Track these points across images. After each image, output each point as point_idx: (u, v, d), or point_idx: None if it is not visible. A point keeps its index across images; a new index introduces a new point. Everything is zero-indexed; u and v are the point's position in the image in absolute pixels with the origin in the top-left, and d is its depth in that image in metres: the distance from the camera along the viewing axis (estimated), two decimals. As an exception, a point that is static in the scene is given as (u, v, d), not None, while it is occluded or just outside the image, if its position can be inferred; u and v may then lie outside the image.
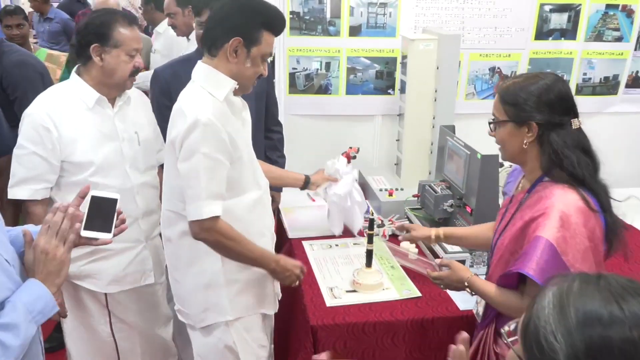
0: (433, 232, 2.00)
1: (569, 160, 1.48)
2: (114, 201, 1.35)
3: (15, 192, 1.99)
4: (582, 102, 1.58)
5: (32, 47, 4.32)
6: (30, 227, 1.35)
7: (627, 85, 3.39)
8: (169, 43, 3.83)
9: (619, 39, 3.27)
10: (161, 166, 2.08)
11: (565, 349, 0.77)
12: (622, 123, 3.41)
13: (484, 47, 3.17)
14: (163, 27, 3.93)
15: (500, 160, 1.92)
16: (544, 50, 3.24)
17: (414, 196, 2.61)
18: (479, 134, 1.99)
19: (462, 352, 1.11)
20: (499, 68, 3.23)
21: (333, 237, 2.50)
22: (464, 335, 1.14)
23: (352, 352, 1.94)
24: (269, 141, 2.71)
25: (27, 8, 5.47)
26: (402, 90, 2.90)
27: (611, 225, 1.51)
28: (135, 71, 2.02)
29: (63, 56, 4.20)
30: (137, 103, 2.17)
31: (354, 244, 2.45)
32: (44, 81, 3.06)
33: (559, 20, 3.19)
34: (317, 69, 3.11)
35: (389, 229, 2.50)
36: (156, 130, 2.22)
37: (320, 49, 3.08)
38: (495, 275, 1.61)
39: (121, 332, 2.21)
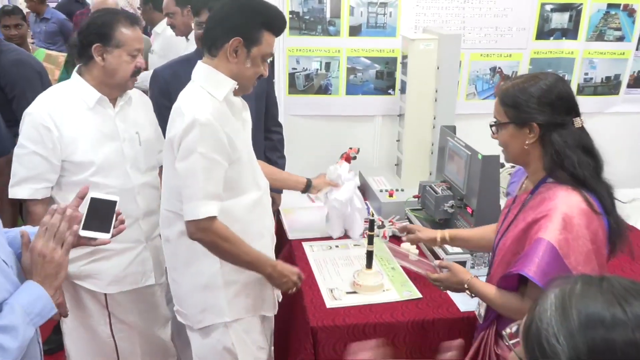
0: (439, 234, 1.99)
1: (570, 161, 1.47)
2: (113, 203, 1.35)
3: (15, 192, 1.99)
4: (584, 102, 1.57)
5: (30, 47, 4.31)
6: (28, 229, 1.35)
7: (629, 85, 3.38)
8: (166, 44, 3.83)
9: (620, 39, 3.26)
10: (162, 167, 2.08)
11: (568, 351, 0.76)
12: (623, 123, 3.40)
13: (484, 47, 3.16)
14: (161, 28, 3.93)
15: (502, 161, 1.91)
16: (545, 50, 3.23)
17: (414, 197, 2.60)
18: (479, 135, 1.98)
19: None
20: (499, 68, 3.23)
21: (333, 238, 2.49)
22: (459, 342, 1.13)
23: (353, 354, 1.93)
24: (269, 142, 2.70)
25: (24, 9, 5.46)
26: (403, 90, 2.90)
27: (614, 228, 1.50)
28: (137, 71, 2.02)
29: (61, 56, 4.20)
30: (138, 103, 2.17)
31: (354, 245, 2.44)
32: (42, 80, 3.07)
33: (560, 20, 3.18)
34: (317, 69, 3.11)
35: (389, 230, 2.49)
36: (157, 131, 2.22)
37: (320, 49, 3.07)
38: (497, 276, 1.60)
39: (121, 332, 2.20)
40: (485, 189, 2.16)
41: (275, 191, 2.49)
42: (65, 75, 3.79)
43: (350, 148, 2.41)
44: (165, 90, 2.34)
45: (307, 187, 2.33)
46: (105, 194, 1.36)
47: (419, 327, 1.95)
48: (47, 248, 1.22)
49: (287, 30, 2.92)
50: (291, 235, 2.54)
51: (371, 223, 2.07)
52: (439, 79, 2.78)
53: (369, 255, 2.10)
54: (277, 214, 2.70)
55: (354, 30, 3.05)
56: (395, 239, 2.40)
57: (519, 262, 1.47)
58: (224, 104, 1.74)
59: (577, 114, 1.52)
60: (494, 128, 1.60)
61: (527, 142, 1.52)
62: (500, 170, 2.24)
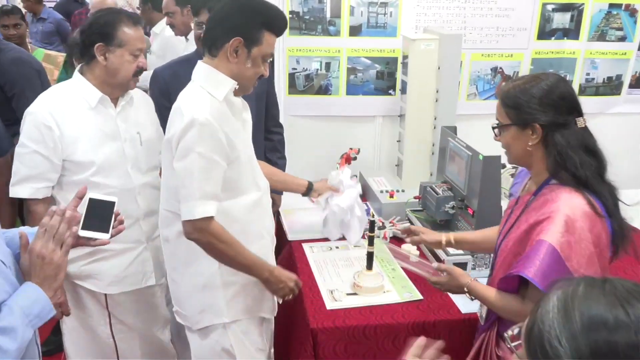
0: (444, 237, 1.97)
1: (572, 162, 1.47)
2: (112, 204, 1.36)
3: (16, 191, 1.99)
4: (585, 103, 1.56)
5: (29, 47, 4.31)
6: (26, 229, 1.35)
7: (631, 86, 3.37)
8: (164, 44, 3.82)
9: (622, 39, 3.25)
10: (162, 167, 2.08)
11: (570, 353, 0.76)
12: (625, 124, 3.39)
13: (485, 47, 3.16)
14: (160, 28, 3.92)
15: (503, 161, 1.90)
16: (546, 50, 3.22)
17: (415, 198, 2.59)
18: (480, 135, 1.98)
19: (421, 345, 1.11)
20: (501, 68, 3.22)
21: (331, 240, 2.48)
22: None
23: (353, 356, 1.93)
24: (269, 142, 2.69)
25: (21, 9, 5.45)
26: (403, 90, 2.89)
27: (617, 231, 1.49)
28: (139, 71, 2.02)
29: (60, 56, 4.19)
30: (139, 103, 2.17)
31: (355, 246, 2.43)
32: (42, 79, 3.07)
33: (561, 20, 3.17)
34: (317, 69, 3.10)
35: (390, 231, 2.49)
36: (159, 131, 2.21)
37: (320, 49, 3.06)
38: (499, 277, 1.59)
39: (121, 333, 2.20)
40: (486, 189, 2.15)
41: (276, 192, 2.48)
42: (64, 75, 3.78)
43: (351, 148, 2.40)
44: (165, 90, 2.33)
45: (308, 191, 2.30)
46: (104, 195, 1.36)
47: (420, 328, 1.94)
48: (46, 249, 1.22)
49: (287, 30, 2.92)
50: (291, 236, 2.53)
51: (372, 224, 2.06)
52: (440, 79, 2.77)
53: (370, 256, 2.09)
54: (277, 215, 2.70)
55: (354, 30, 3.05)
56: (396, 240, 2.40)
57: (520, 263, 1.46)
58: (224, 104, 1.74)
59: (580, 113, 1.52)
60: (496, 130, 1.59)
61: (529, 143, 1.51)
62: (502, 171, 2.23)
